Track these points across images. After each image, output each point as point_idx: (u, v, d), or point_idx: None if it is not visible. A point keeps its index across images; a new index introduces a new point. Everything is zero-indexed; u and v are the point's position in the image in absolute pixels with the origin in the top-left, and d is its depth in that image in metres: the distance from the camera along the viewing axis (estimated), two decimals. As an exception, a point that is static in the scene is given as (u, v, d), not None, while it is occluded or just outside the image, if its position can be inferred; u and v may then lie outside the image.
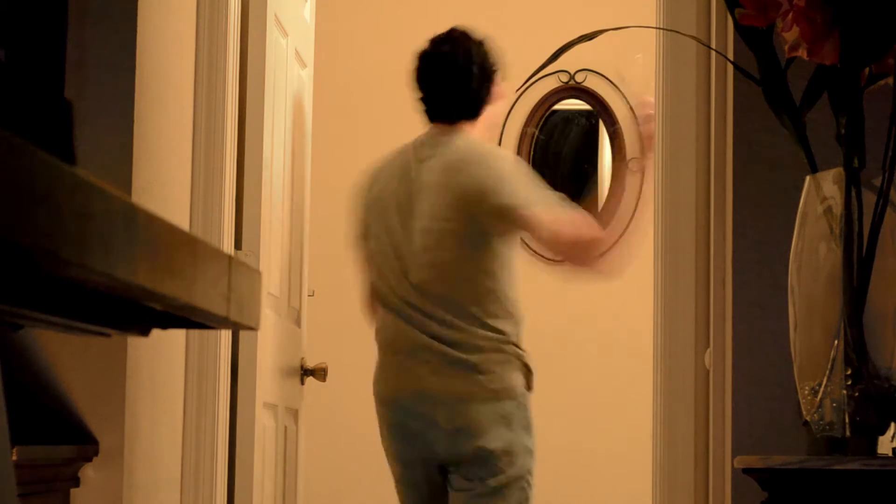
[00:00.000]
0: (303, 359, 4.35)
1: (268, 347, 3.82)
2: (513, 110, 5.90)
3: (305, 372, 4.33)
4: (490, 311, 3.80)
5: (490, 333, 3.77)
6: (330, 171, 5.79)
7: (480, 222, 3.78)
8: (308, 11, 4.46)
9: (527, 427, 3.82)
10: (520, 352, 3.86)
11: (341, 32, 5.88)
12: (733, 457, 2.83)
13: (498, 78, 4.09)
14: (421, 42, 5.95)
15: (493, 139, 4.14)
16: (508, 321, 3.84)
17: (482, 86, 4.08)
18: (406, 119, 5.87)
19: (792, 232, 2.42)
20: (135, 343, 2.99)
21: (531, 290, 5.87)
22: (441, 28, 5.92)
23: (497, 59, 4.12)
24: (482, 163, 3.85)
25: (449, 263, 3.77)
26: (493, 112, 4.11)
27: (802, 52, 2.36)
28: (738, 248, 3.03)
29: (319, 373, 4.34)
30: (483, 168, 3.83)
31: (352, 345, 5.72)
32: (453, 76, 4.08)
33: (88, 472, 2.99)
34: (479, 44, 4.15)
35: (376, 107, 5.88)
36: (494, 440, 3.70)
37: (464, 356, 3.73)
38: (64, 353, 2.99)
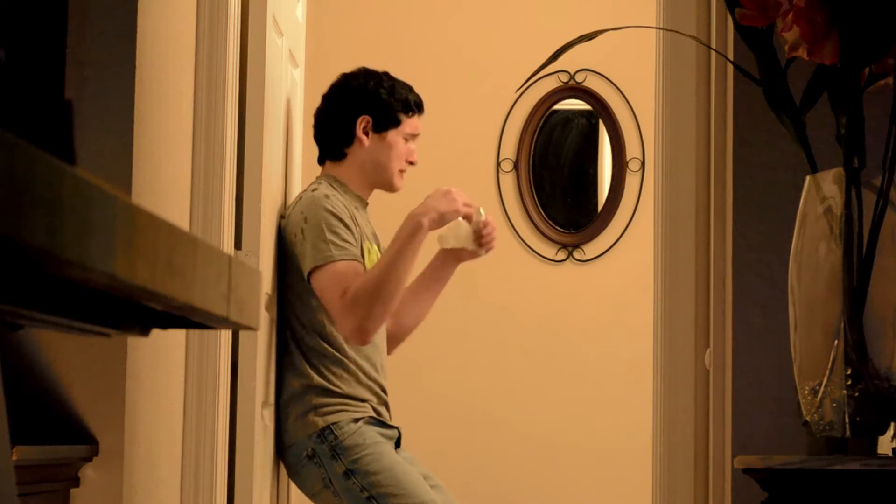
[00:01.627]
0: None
1: (267, 347, 3.82)
2: (513, 110, 5.90)
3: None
4: None
5: None
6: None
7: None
8: (300, 11, 4.47)
9: None
10: None
11: (332, 32, 5.88)
12: (733, 457, 2.83)
13: (365, 120, 3.99)
14: (415, 41, 5.96)
15: (386, 179, 4.02)
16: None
17: (336, 122, 4.02)
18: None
19: (792, 232, 2.42)
20: (135, 343, 2.99)
21: (532, 289, 5.88)
22: (438, 27, 5.93)
23: (380, 95, 4.02)
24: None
25: None
26: (377, 150, 4.01)
27: (802, 52, 2.36)
28: (738, 248, 3.03)
29: None
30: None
31: (352, 345, 5.73)
32: (316, 114, 4.10)
33: (88, 472, 2.99)
34: (353, 80, 4.08)
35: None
36: None
37: None
38: (64, 353, 2.99)
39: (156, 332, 1.20)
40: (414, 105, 4.07)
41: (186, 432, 3.30)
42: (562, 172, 5.96)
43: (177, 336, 3.25)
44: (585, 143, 5.96)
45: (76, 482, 2.98)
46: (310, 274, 3.80)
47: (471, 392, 5.73)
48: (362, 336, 3.78)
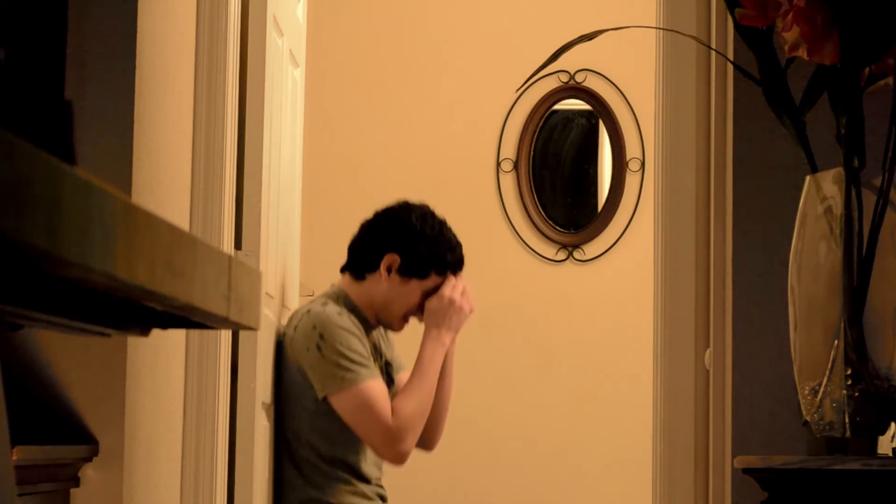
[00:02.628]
0: (297, 359, 4.36)
1: (266, 347, 3.83)
2: (513, 110, 5.90)
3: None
4: None
5: None
6: (326, 171, 5.79)
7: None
8: (301, 11, 4.47)
9: None
10: None
11: (332, 32, 5.88)
12: (733, 457, 2.83)
13: (393, 258, 3.90)
14: (415, 41, 5.96)
15: (388, 320, 3.96)
16: None
17: (368, 246, 3.95)
18: (400, 119, 5.88)
19: (792, 232, 2.42)
20: (135, 343, 2.99)
21: (532, 289, 5.88)
22: (438, 27, 5.92)
23: (420, 244, 3.92)
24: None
25: None
26: (393, 290, 3.92)
27: (802, 52, 2.36)
28: (738, 248, 3.03)
29: None
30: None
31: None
32: (361, 226, 4.04)
33: (88, 472, 2.99)
34: (405, 213, 3.97)
35: (369, 106, 5.87)
36: None
37: None
38: (64, 353, 2.99)
39: (156, 332, 1.20)
40: (450, 267, 3.97)
41: (186, 432, 3.30)
42: (562, 172, 5.96)
43: (177, 336, 3.25)
44: (585, 143, 5.96)
45: (76, 482, 2.98)
46: (331, 393, 3.77)
47: (470, 392, 5.73)
48: (406, 458, 3.83)
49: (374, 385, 3.77)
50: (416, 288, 3.92)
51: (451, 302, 3.92)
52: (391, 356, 4.03)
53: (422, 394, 3.83)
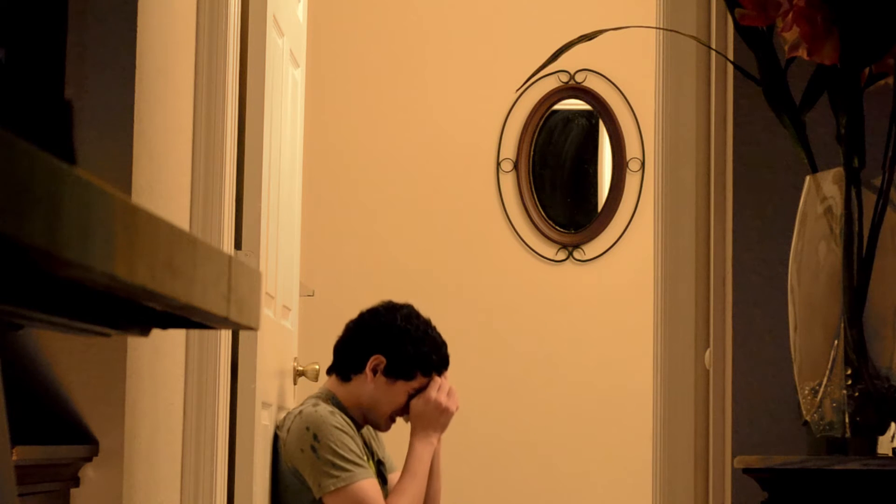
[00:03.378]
0: (295, 359, 4.37)
1: (266, 347, 3.83)
2: (513, 110, 5.90)
3: (298, 372, 4.35)
4: None
5: None
6: (326, 171, 5.79)
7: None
8: (301, 11, 4.47)
9: None
10: None
11: (333, 31, 5.88)
12: (733, 457, 2.83)
13: (378, 360, 3.95)
14: (415, 41, 5.96)
15: (374, 420, 4.02)
16: None
17: (353, 347, 4.00)
18: (400, 119, 5.88)
19: (792, 232, 2.42)
20: (135, 343, 2.99)
21: (532, 289, 5.88)
22: (438, 27, 5.92)
23: (405, 345, 3.96)
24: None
25: None
26: (379, 391, 3.97)
27: (802, 52, 2.36)
28: (738, 248, 3.03)
29: (311, 373, 4.36)
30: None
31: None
32: (346, 326, 4.09)
33: (88, 472, 2.98)
34: (389, 315, 4.02)
35: (369, 106, 5.87)
36: None
37: None
38: (64, 353, 2.99)
39: (156, 332, 1.20)
40: (435, 368, 4.02)
41: (186, 432, 3.30)
42: (562, 172, 5.96)
43: (177, 336, 3.25)
44: (585, 143, 5.96)
45: (76, 482, 2.98)
46: (327, 493, 3.81)
47: (470, 391, 5.72)
48: None
49: (369, 484, 3.83)
50: (402, 389, 3.98)
51: (438, 404, 3.99)
52: (383, 455, 4.11)
53: (413, 493, 3.91)
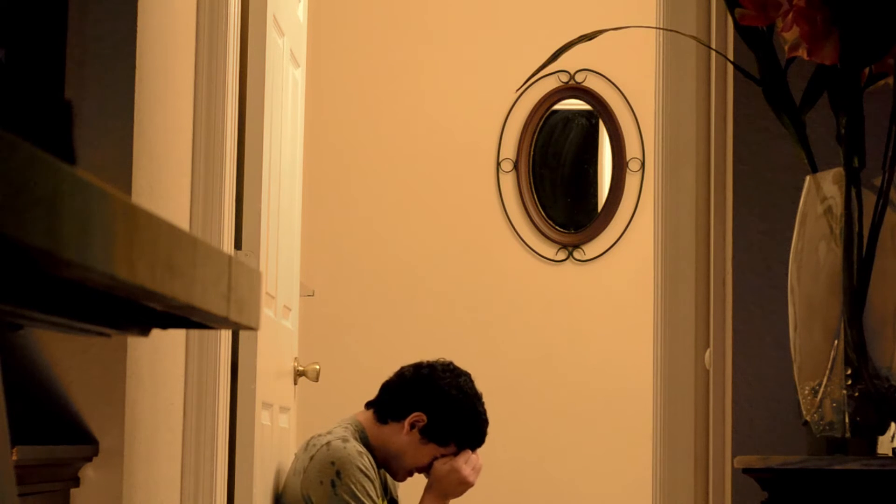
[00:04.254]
0: (296, 359, 4.37)
1: (266, 347, 3.83)
2: (513, 110, 5.90)
3: (298, 373, 4.36)
4: None
5: None
6: (326, 171, 5.79)
7: None
8: (301, 11, 4.47)
9: None
10: None
11: (333, 31, 5.88)
12: (733, 457, 2.83)
13: (419, 417, 3.97)
14: (415, 41, 5.96)
15: (394, 469, 4.06)
16: None
17: (401, 397, 4.01)
18: (400, 118, 5.88)
19: (792, 232, 2.42)
20: (135, 343, 2.99)
21: (532, 289, 5.88)
22: (438, 27, 5.92)
23: (451, 415, 4.00)
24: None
25: None
26: (409, 446, 3.99)
27: (802, 52, 2.36)
28: (738, 248, 3.03)
29: (311, 373, 4.36)
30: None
31: (351, 345, 5.73)
32: (399, 371, 4.09)
33: (88, 472, 2.98)
34: (446, 379, 4.04)
35: (369, 106, 5.87)
36: None
37: None
38: (64, 353, 2.99)
39: (156, 332, 1.20)
40: (471, 444, 4.05)
41: (186, 432, 3.30)
42: (562, 172, 5.96)
43: (177, 336, 3.25)
44: (585, 143, 5.96)
45: (76, 482, 2.98)
46: None
47: (471, 392, 5.73)
48: None
49: None
50: (432, 451, 4.01)
51: (462, 477, 4.01)
52: (395, 494, 4.13)
53: None
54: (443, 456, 4.01)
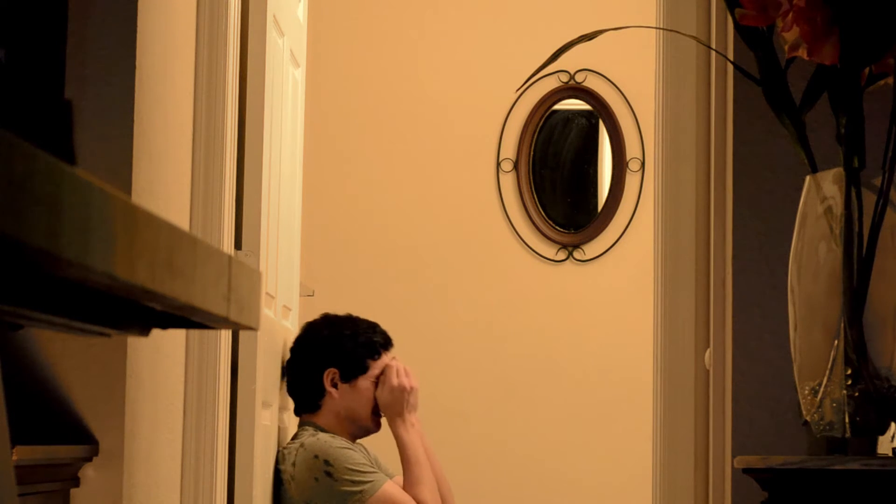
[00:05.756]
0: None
1: (266, 347, 3.83)
2: (513, 110, 5.90)
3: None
4: None
5: None
6: (326, 171, 5.79)
7: None
8: (301, 11, 4.47)
9: None
10: None
11: (333, 31, 5.88)
12: (733, 457, 2.83)
13: (332, 372, 4.02)
14: (415, 41, 5.96)
15: (361, 426, 4.09)
16: None
17: (304, 378, 4.06)
18: (400, 118, 5.88)
19: (792, 232, 2.42)
20: (135, 343, 2.99)
21: (532, 289, 5.88)
22: (438, 27, 5.92)
23: (343, 345, 4.04)
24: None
25: None
26: (349, 399, 4.03)
27: (802, 52, 2.36)
28: (738, 248, 3.03)
29: None
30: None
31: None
32: (286, 368, 4.12)
33: (88, 472, 2.98)
34: (315, 332, 4.09)
35: (369, 106, 5.87)
36: None
37: None
38: (64, 353, 2.98)
39: (156, 332, 1.20)
40: (379, 347, 4.10)
41: (186, 432, 3.30)
42: (562, 172, 5.96)
43: (177, 336, 3.25)
44: (585, 143, 5.96)
45: (76, 482, 2.98)
46: None
47: (470, 391, 5.73)
48: None
49: (391, 486, 3.91)
50: (365, 384, 4.05)
51: (400, 387, 4.04)
52: (380, 466, 4.14)
53: (426, 477, 3.98)
54: (376, 379, 4.05)
